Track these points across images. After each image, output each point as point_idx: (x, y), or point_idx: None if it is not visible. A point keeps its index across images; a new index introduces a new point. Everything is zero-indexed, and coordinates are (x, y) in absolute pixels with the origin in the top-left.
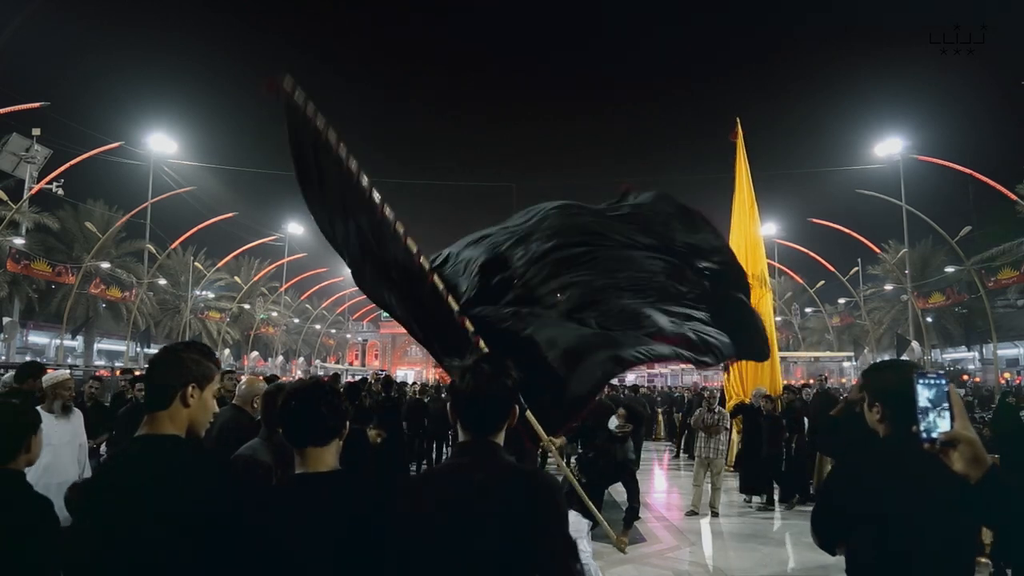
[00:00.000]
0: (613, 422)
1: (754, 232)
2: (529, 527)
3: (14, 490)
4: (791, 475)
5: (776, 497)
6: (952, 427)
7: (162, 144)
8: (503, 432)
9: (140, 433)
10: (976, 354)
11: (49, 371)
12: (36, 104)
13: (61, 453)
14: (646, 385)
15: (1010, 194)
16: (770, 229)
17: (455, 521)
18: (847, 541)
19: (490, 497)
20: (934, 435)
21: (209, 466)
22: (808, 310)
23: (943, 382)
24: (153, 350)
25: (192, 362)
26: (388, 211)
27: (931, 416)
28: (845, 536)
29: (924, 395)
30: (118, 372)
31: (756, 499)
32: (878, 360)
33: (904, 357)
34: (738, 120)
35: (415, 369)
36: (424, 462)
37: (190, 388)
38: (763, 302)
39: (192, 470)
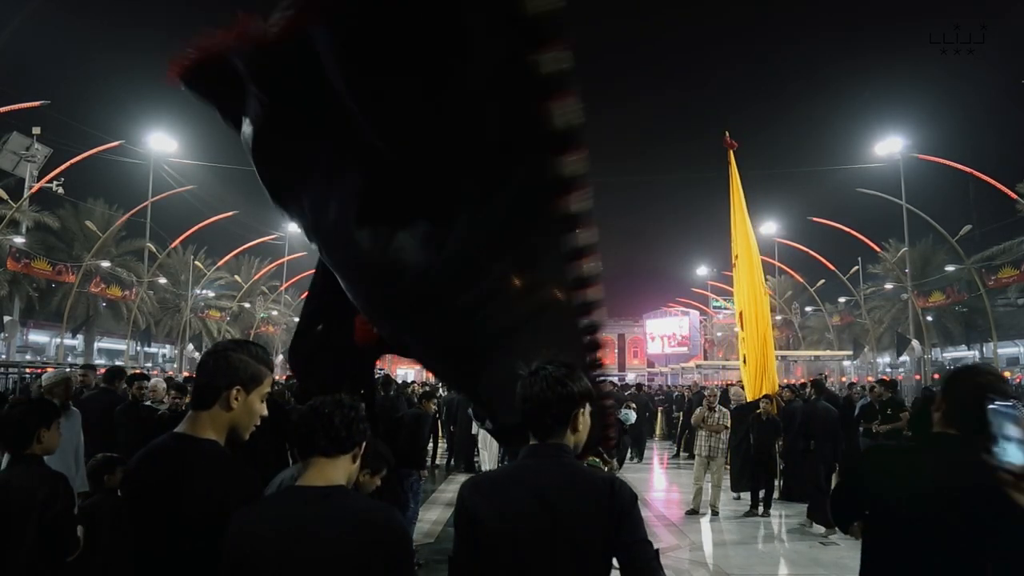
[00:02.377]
0: (631, 415)
1: (752, 244)
2: (604, 532)
3: (30, 468)
4: (790, 476)
5: (775, 497)
6: None
7: (162, 143)
8: (568, 435)
9: (178, 430)
10: (976, 353)
11: (48, 369)
12: (36, 103)
13: (58, 451)
14: (646, 384)
15: (1010, 193)
16: (770, 228)
17: (530, 525)
18: (864, 527)
19: (563, 502)
20: (1009, 465)
21: (229, 476)
22: (808, 309)
23: (1018, 411)
24: (154, 349)
25: (240, 363)
26: None
27: (1008, 445)
28: (857, 517)
29: (999, 423)
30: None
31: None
32: (878, 360)
33: (904, 357)
34: (727, 133)
35: (415, 368)
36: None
37: (235, 391)
38: (762, 305)
39: (209, 478)
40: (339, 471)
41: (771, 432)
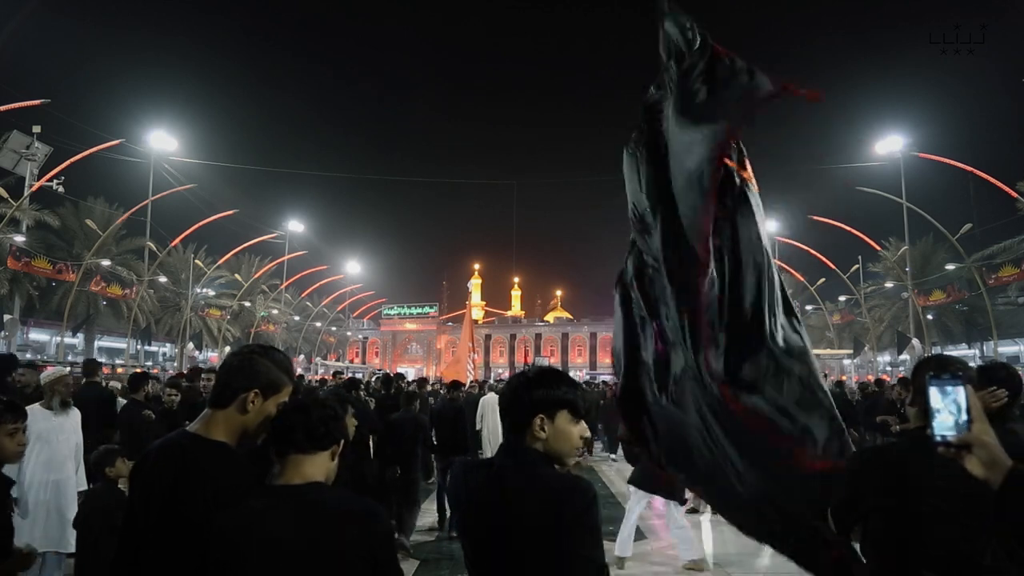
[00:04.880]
0: None
1: None
2: (554, 540)
3: None
4: None
5: None
6: (969, 429)
7: (162, 141)
8: (529, 439)
9: (192, 428)
10: (977, 351)
11: (48, 367)
12: (37, 101)
13: (59, 450)
14: None
15: (1011, 191)
16: (771, 226)
17: (486, 522)
18: (865, 525)
19: (514, 504)
20: (948, 437)
21: (234, 478)
22: (809, 308)
23: (959, 382)
24: (154, 348)
25: (263, 368)
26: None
27: (944, 418)
28: (858, 522)
29: (938, 396)
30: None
31: None
32: (879, 358)
33: (904, 355)
34: None
35: (415, 367)
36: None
37: (252, 394)
38: None
39: (213, 479)
40: (317, 468)
41: None
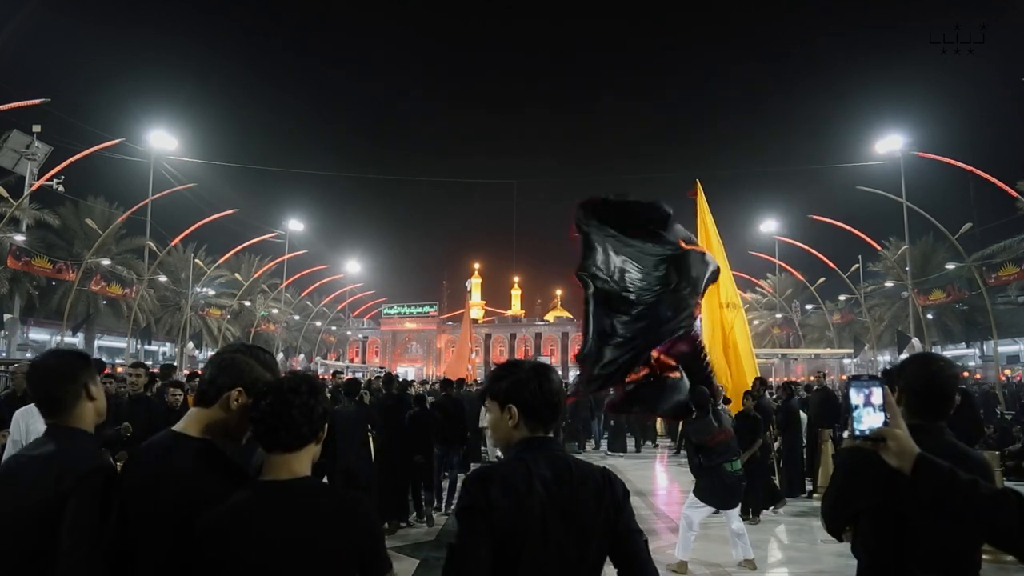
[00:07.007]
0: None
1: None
2: (605, 520)
3: None
4: (791, 474)
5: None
6: (885, 425)
7: (163, 141)
8: (554, 429)
9: (176, 428)
10: (977, 351)
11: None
12: (37, 101)
13: None
14: None
15: (1011, 191)
16: (771, 226)
17: (542, 515)
18: (856, 526)
19: (569, 492)
20: (866, 432)
21: (217, 476)
22: (809, 307)
23: (876, 383)
24: (154, 347)
25: (246, 366)
26: None
27: (863, 415)
28: (850, 523)
29: (856, 395)
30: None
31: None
32: (879, 358)
33: (904, 355)
34: (697, 181)
35: (416, 366)
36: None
37: (236, 392)
38: (737, 322)
39: (196, 478)
40: (303, 462)
41: (750, 432)
